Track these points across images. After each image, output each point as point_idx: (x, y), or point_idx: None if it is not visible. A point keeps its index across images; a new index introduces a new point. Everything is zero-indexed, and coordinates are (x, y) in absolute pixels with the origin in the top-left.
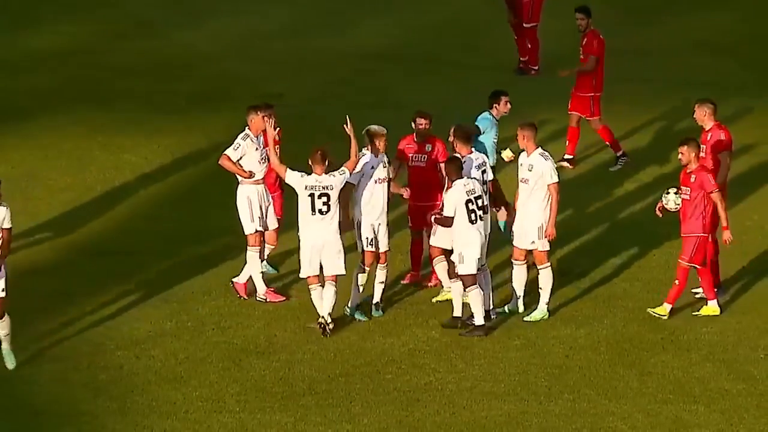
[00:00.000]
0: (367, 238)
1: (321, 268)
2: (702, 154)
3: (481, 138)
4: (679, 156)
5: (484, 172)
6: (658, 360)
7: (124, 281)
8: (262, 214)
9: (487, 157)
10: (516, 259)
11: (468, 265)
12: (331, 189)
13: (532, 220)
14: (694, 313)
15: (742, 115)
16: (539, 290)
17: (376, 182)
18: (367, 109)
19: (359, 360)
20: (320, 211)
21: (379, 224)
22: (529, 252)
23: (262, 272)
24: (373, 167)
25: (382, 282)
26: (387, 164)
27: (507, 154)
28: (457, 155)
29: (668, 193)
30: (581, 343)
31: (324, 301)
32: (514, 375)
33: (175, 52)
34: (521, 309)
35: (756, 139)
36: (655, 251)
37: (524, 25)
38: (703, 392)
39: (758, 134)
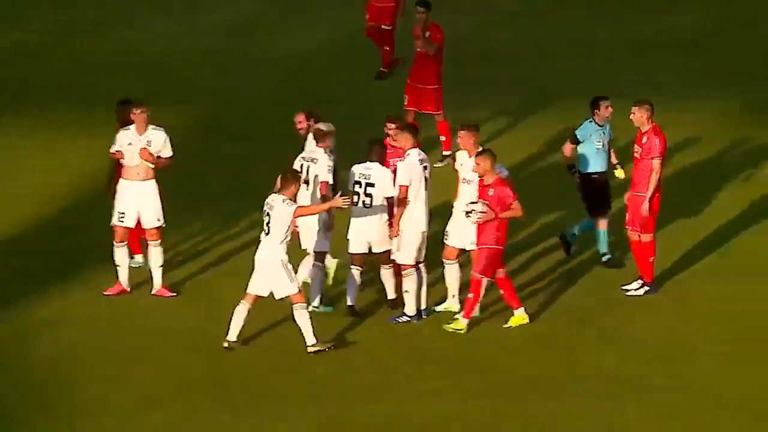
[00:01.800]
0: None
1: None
2: (636, 155)
3: (581, 147)
4: (473, 167)
5: (425, 168)
6: (590, 357)
7: (53, 281)
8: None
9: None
10: (448, 259)
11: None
12: (272, 209)
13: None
14: (504, 326)
15: (680, 114)
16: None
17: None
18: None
19: (293, 359)
20: (264, 231)
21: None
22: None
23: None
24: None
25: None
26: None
27: (620, 174)
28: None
29: (475, 202)
30: (513, 341)
31: (232, 322)
32: (447, 373)
33: (120, 49)
34: (456, 308)
35: (695, 136)
36: (592, 250)
37: (385, 27)
38: (636, 390)
39: (699, 131)
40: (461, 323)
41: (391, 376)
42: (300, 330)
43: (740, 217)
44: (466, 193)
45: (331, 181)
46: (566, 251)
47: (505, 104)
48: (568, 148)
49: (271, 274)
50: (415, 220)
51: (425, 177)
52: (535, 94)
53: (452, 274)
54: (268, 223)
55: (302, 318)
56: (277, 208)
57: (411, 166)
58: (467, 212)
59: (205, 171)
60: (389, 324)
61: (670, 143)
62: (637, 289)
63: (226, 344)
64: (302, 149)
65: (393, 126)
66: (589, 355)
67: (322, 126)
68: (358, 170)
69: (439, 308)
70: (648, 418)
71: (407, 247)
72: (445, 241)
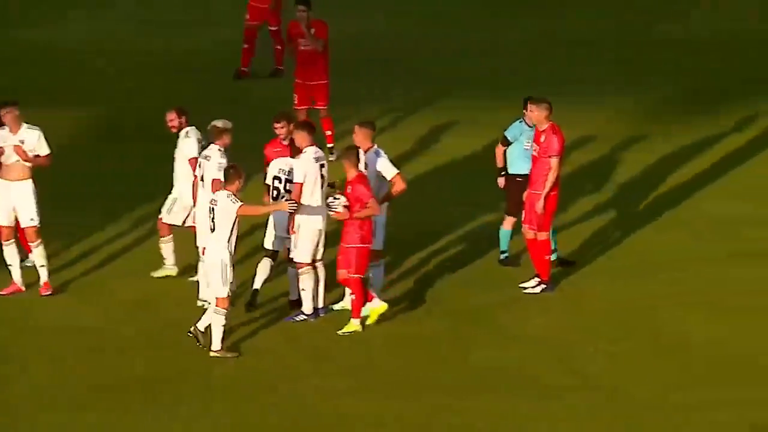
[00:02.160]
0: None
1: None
2: (534, 153)
3: (510, 147)
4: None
5: (322, 166)
6: (487, 356)
7: None
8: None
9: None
10: None
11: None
12: (216, 205)
13: (377, 219)
14: (338, 332)
15: (599, 111)
16: (369, 287)
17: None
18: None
19: (189, 360)
20: (209, 227)
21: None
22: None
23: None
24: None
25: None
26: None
27: None
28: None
29: (338, 198)
30: (410, 340)
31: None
32: (344, 372)
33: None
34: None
35: (592, 135)
36: (484, 250)
37: (271, 28)
38: (536, 387)
39: (614, 129)
40: (354, 324)
41: (291, 375)
42: (210, 331)
43: (635, 215)
44: None
45: (222, 179)
46: (566, 264)
47: (408, 100)
48: (499, 151)
49: (211, 274)
50: (311, 217)
51: (321, 174)
52: (431, 90)
53: None
54: (212, 219)
55: (217, 323)
56: (221, 202)
57: (307, 164)
58: (327, 204)
59: (95, 170)
60: (287, 323)
61: (567, 141)
62: (534, 287)
63: (212, 354)
64: (175, 147)
65: (279, 125)
66: (486, 353)
67: (218, 123)
68: (277, 165)
69: (336, 307)
70: (549, 418)
71: (303, 245)
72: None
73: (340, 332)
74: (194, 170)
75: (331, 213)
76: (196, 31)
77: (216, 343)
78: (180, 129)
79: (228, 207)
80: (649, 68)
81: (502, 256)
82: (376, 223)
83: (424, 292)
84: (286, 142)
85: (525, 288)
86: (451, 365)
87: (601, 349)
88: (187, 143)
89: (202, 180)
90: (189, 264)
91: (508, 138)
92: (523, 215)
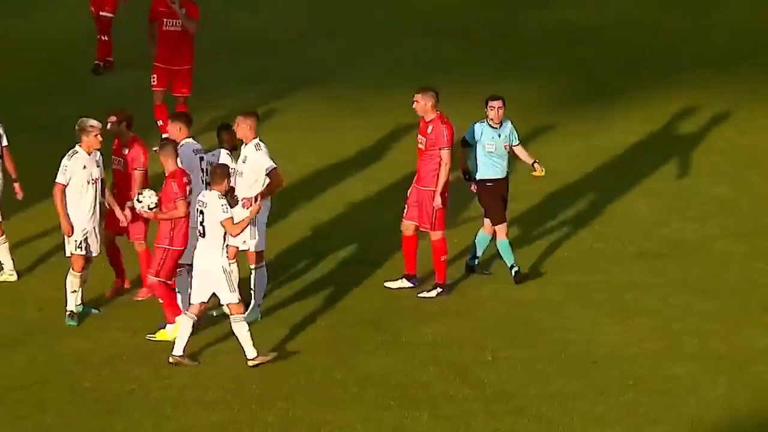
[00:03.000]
0: (76, 241)
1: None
2: (420, 146)
3: (473, 151)
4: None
5: (202, 159)
6: (379, 363)
7: None
8: None
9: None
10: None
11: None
12: (205, 207)
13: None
14: (147, 337)
15: (466, 98)
16: (251, 291)
17: (88, 182)
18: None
19: (54, 367)
20: (198, 232)
21: (93, 227)
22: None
23: None
24: (85, 166)
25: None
26: (100, 163)
27: (539, 172)
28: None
29: (142, 194)
30: (296, 345)
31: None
32: (224, 381)
33: None
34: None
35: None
36: (380, 250)
37: (104, 14)
38: (427, 397)
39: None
40: (163, 333)
41: (162, 384)
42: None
43: (534, 216)
44: (240, 186)
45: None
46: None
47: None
48: (460, 155)
49: (213, 282)
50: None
51: (203, 168)
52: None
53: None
54: (201, 223)
55: (241, 330)
56: (211, 204)
57: (186, 159)
58: (137, 199)
59: None
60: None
61: (459, 134)
62: (429, 291)
63: (171, 359)
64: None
65: (114, 119)
66: (378, 359)
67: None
68: (207, 158)
69: (217, 311)
70: (441, 427)
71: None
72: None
73: (150, 336)
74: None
75: (138, 209)
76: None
77: (250, 351)
78: None
79: (218, 211)
80: (525, 59)
81: (473, 263)
82: (256, 222)
83: (316, 296)
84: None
85: (421, 294)
86: (335, 373)
87: (500, 357)
88: None
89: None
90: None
91: (467, 140)
92: (406, 212)
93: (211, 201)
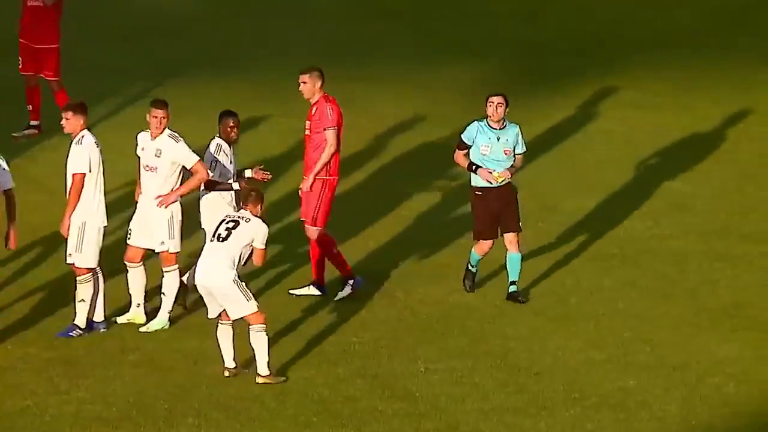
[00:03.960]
0: None
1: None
2: (307, 132)
3: (470, 153)
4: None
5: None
6: (300, 376)
7: None
8: None
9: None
10: (132, 261)
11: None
12: (244, 221)
13: (162, 214)
14: (117, 319)
15: (405, 83)
16: (161, 296)
17: None
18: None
19: None
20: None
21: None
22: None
23: None
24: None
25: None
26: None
27: (498, 177)
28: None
29: None
30: (209, 356)
31: None
32: (129, 396)
33: None
34: (141, 319)
35: (437, 114)
36: (288, 251)
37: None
38: (353, 413)
39: (441, 110)
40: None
41: (59, 399)
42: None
43: (467, 208)
44: (150, 183)
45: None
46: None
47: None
48: (458, 156)
49: (227, 300)
50: (94, 213)
51: (101, 162)
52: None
53: (136, 279)
54: (232, 230)
55: (260, 342)
56: (255, 232)
57: (90, 150)
58: None
59: None
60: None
61: (394, 120)
62: (342, 290)
63: (227, 373)
64: None
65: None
66: (299, 371)
67: None
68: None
69: (121, 319)
70: None
71: (87, 248)
72: (128, 242)
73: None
74: None
75: None
76: None
77: (262, 367)
78: None
79: (259, 244)
80: (486, 42)
81: (512, 288)
82: (174, 220)
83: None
84: None
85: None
86: (252, 387)
87: (433, 368)
88: None
89: None
90: None
91: (464, 140)
92: (301, 208)
93: (257, 230)
